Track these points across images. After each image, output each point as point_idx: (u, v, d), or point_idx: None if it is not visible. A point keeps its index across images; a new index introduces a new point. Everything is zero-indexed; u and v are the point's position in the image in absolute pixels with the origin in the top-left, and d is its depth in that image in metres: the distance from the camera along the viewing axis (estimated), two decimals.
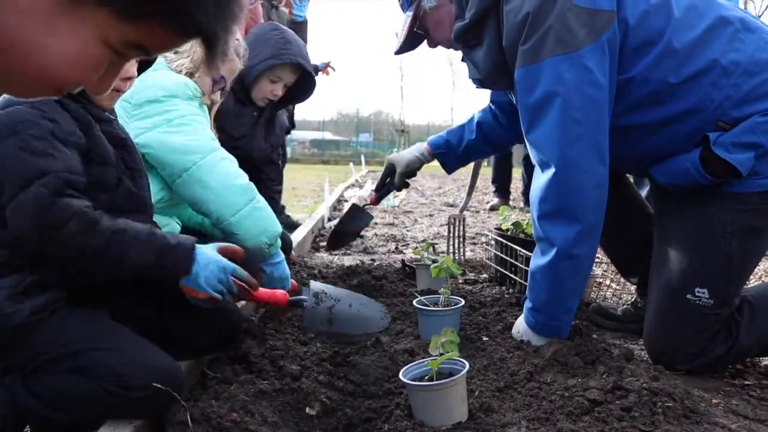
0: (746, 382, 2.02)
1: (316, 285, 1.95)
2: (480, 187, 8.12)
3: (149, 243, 1.54)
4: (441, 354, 1.64)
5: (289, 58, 3.22)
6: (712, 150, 1.95)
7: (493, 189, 7.09)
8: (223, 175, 2.16)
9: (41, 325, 1.52)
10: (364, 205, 3.20)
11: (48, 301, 1.53)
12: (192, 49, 2.33)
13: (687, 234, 2.06)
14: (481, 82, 2.25)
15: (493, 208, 6.56)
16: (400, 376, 1.62)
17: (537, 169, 2.00)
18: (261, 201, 2.22)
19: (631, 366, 1.81)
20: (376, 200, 2.99)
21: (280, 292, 1.84)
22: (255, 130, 3.51)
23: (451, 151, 2.81)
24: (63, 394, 1.51)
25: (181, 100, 2.19)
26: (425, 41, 2.41)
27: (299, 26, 4.61)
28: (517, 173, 7.79)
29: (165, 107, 2.15)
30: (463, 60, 2.33)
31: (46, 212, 1.42)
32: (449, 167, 2.89)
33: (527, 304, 2.08)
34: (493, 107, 2.73)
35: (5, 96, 1.51)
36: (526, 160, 6.58)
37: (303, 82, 3.39)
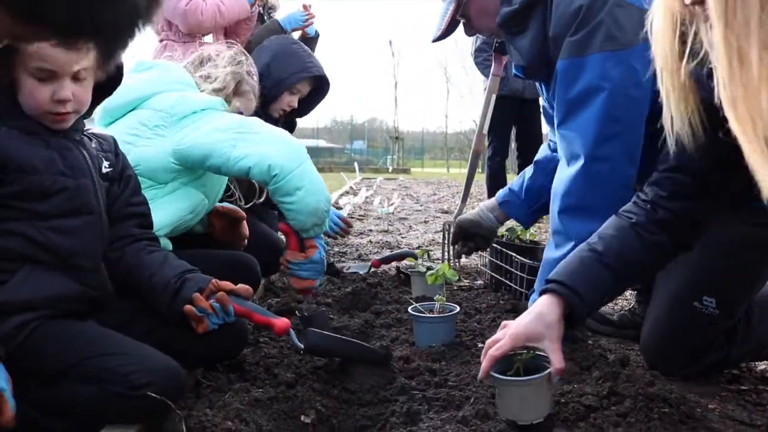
0: (742, 387, 2.02)
1: (313, 337, 1.84)
2: (474, 194, 8.13)
3: None
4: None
5: (318, 71, 3.36)
6: None
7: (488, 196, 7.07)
8: (280, 133, 2.21)
9: (28, 343, 1.51)
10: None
11: (26, 321, 1.51)
12: (222, 83, 2.43)
13: (702, 243, 2.04)
14: (524, 69, 2.23)
15: None
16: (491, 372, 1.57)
17: (562, 162, 1.98)
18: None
19: (627, 371, 1.81)
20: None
21: (279, 321, 1.80)
22: None
23: (515, 198, 2.77)
24: (66, 402, 1.51)
25: (217, 111, 2.26)
26: (461, 27, 2.40)
27: (312, 41, 4.60)
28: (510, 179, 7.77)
29: (203, 115, 2.21)
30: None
31: None
32: (520, 218, 2.83)
33: (534, 297, 2.04)
34: (550, 142, 2.71)
35: None
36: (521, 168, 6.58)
37: (311, 97, 3.54)
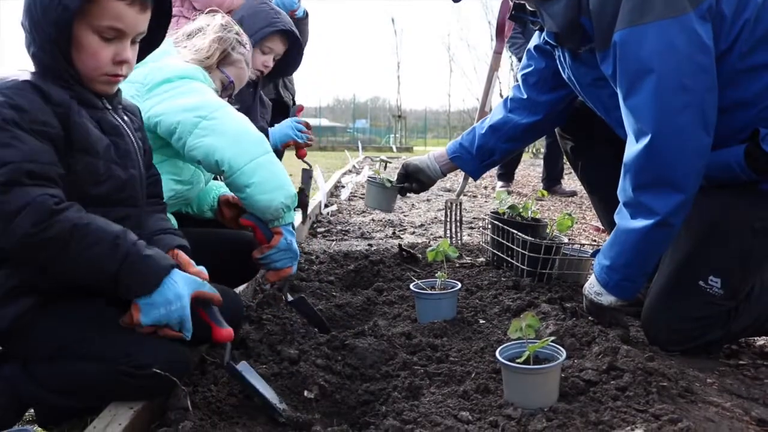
0: (740, 362, 2.04)
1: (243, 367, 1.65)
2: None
3: (115, 245, 1.42)
4: (520, 338, 1.62)
5: (284, 25, 3.31)
6: (760, 145, 1.92)
7: (498, 173, 7.01)
8: (236, 123, 2.09)
9: (37, 318, 1.52)
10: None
11: (32, 306, 1.51)
12: (207, 51, 2.37)
13: (712, 223, 2.04)
14: (556, 36, 2.19)
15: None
16: (499, 356, 1.59)
17: (631, 138, 1.95)
18: (276, 158, 2.12)
19: (627, 347, 1.82)
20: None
21: (223, 331, 1.59)
22: (254, 106, 3.60)
23: (466, 154, 2.83)
24: (72, 381, 1.53)
25: (194, 81, 2.19)
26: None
27: (301, 21, 4.57)
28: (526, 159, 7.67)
29: (177, 85, 2.14)
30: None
31: None
32: (471, 172, 2.89)
33: (603, 262, 2.06)
34: (508, 101, 2.72)
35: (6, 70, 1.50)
36: (550, 147, 6.53)
37: (288, 56, 3.48)
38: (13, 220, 1.33)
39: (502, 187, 6.80)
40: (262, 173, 2.03)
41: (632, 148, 1.91)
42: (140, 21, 1.57)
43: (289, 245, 2.12)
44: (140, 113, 1.87)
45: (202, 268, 1.66)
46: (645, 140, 1.87)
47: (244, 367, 1.62)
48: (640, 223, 1.91)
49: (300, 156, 3.43)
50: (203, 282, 1.58)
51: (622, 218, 1.99)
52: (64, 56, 1.51)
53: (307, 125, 3.42)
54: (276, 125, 3.42)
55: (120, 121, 1.68)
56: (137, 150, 1.71)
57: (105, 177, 1.56)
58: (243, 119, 2.13)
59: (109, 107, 1.66)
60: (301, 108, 3.59)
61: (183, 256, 1.68)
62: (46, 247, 1.37)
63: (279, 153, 3.63)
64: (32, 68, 1.55)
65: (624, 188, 1.97)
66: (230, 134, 2.03)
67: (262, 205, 2.03)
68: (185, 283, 1.53)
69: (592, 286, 2.11)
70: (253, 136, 2.07)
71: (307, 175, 3.47)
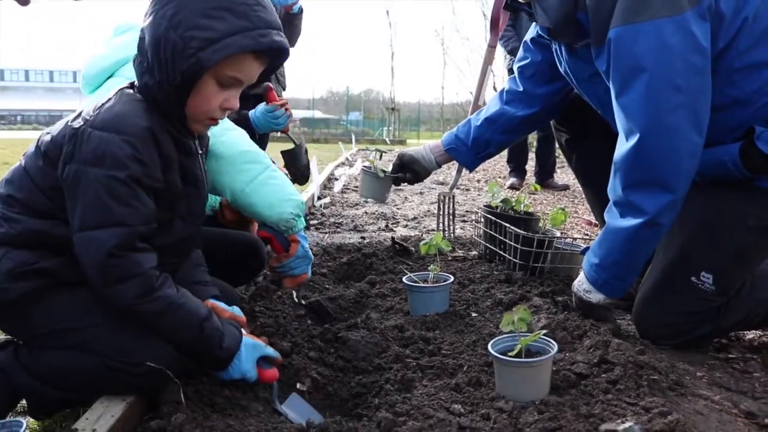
0: (730, 356, 2.05)
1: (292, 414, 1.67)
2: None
3: (200, 329, 1.52)
4: (512, 331, 1.62)
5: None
6: (755, 143, 1.92)
7: (509, 169, 7.02)
8: (232, 143, 2.04)
9: (44, 297, 1.52)
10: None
11: (39, 287, 1.52)
12: None
13: (706, 220, 2.05)
14: (549, 31, 2.17)
15: (512, 187, 6.55)
16: (491, 349, 1.60)
17: (621, 136, 1.94)
18: (277, 171, 2.09)
19: (618, 341, 1.84)
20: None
21: (269, 373, 1.67)
22: None
23: (461, 145, 2.80)
24: (62, 372, 1.52)
25: None
26: None
27: (296, 17, 4.53)
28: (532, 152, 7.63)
29: None
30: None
31: (113, 263, 1.42)
32: (467, 164, 2.86)
33: (593, 260, 2.06)
34: (504, 93, 2.71)
35: (119, 94, 1.54)
36: (541, 141, 6.55)
37: None
38: (118, 286, 1.43)
39: (515, 183, 6.75)
40: (266, 191, 2.01)
41: (622, 146, 1.91)
42: (258, 73, 1.60)
43: (305, 252, 2.12)
44: (209, 142, 1.88)
45: (235, 309, 1.72)
46: (634, 139, 1.86)
47: (294, 400, 1.67)
48: (629, 222, 1.92)
49: (284, 131, 3.40)
50: (263, 345, 1.66)
51: (612, 217, 1.99)
52: (179, 100, 1.52)
53: (282, 104, 3.30)
54: (253, 111, 3.34)
55: (201, 168, 1.70)
56: (204, 202, 1.75)
57: (166, 229, 1.58)
58: (238, 136, 2.08)
59: (201, 151, 1.70)
60: (270, 88, 3.36)
61: (216, 306, 1.69)
62: (139, 316, 1.48)
63: (264, 138, 3.57)
64: (133, 92, 1.56)
65: (614, 187, 1.98)
66: (227, 155, 1.99)
67: (273, 220, 2.02)
68: (249, 354, 1.61)
69: (581, 283, 2.12)
70: (248, 153, 2.03)
71: (297, 152, 3.49)
